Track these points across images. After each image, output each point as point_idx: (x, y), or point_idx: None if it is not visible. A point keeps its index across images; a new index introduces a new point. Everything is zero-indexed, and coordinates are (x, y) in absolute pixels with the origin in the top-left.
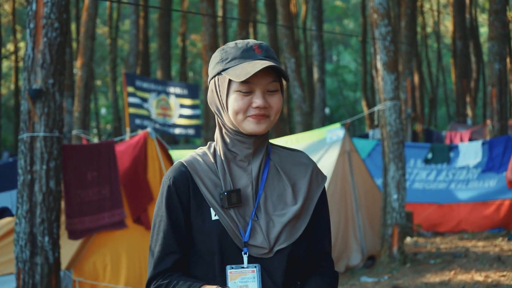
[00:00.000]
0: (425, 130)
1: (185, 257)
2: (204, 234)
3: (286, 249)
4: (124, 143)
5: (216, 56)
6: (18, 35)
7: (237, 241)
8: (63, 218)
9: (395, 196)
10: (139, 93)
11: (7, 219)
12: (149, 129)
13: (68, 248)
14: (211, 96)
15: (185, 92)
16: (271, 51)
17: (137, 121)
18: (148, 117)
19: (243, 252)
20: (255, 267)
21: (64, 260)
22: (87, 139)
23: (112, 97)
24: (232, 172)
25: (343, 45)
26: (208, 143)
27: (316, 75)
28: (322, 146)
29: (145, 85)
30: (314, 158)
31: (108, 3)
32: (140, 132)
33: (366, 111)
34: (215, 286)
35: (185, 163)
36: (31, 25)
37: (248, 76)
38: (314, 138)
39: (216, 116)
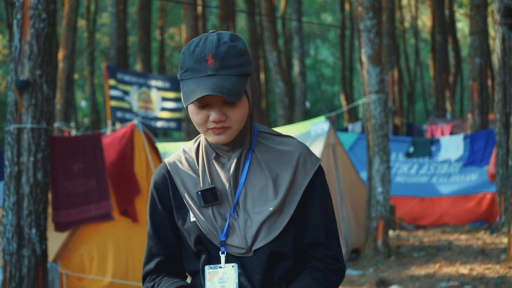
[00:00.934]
0: (406, 124)
1: (174, 256)
2: (185, 236)
3: (265, 247)
4: (110, 135)
5: (180, 56)
6: None
7: (215, 241)
8: (49, 210)
9: (379, 189)
10: (121, 86)
11: None
12: (135, 122)
13: (55, 240)
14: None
15: (167, 85)
16: (230, 57)
17: (119, 114)
18: (129, 110)
19: (220, 252)
20: (233, 266)
21: (51, 253)
22: (69, 132)
23: (90, 91)
24: (211, 169)
25: (321, 39)
26: (197, 136)
27: (297, 68)
28: (306, 139)
29: (127, 78)
30: None
31: None
32: (119, 126)
33: (345, 105)
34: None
35: (167, 164)
36: (18, 16)
37: (189, 102)
38: (298, 131)
39: None
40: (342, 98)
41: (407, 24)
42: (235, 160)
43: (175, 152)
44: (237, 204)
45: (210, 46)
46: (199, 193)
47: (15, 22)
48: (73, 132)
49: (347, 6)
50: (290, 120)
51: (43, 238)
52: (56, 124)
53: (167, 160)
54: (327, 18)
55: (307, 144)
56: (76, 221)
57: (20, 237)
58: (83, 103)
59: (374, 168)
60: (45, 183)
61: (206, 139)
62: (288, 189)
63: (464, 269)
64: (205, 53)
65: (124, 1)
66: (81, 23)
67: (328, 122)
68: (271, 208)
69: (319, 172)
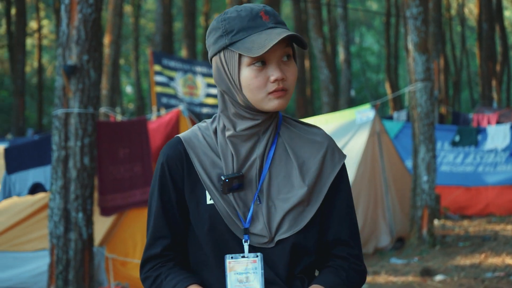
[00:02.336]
0: (452, 113)
1: (181, 241)
2: (198, 219)
3: (289, 239)
4: (156, 121)
5: (216, 27)
6: (42, 13)
7: (234, 228)
8: (95, 194)
9: (425, 178)
10: (166, 72)
11: (41, 195)
12: (181, 107)
13: (100, 224)
14: (217, 74)
15: (212, 71)
16: (278, 15)
17: (164, 100)
18: (174, 96)
19: (243, 240)
20: (257, 256)
21: (97, 237)
22: (115, 117)
23: (135, 76)
24: (237, 151)
25: (366, 27)
26: (213, 116)
27: (342, 55)
28: (351, 127)
29: (172, 63)
30: (344, 139)
31: None
32: (164, 111)
33: (390, 93)
34: None
35: (182, 139)
36: (66, 1)
37: (265, 50)
38: (343, 119)
39: (224, 95)
40: (387, 86)
41: (453, 12)
42: (264, 141)
43: None
44: (260, 189)
45: (255, 7)
46: (226, 180)
47: (62, 7)
48: (119, 118)
49: None
50: (334, 108)
51: (89, 222)
52: (102, 109)
53: (181, 135)
54: (373, 5)
55: (352, 133)
56: (121, 206)
57: (67, 220)
58: (128, 89)
59: (420, 157)
60: (91, 168)
61: (230, 122)
62: (316, 178)
63: (510, 260)
64: (256, 10)
65: None
66: (127, 8)
67: (374, 110)
68: (298, 196)
69: (344, 167)
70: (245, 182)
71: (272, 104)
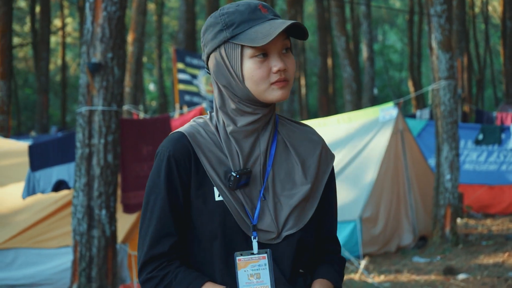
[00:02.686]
0: (476, 111)
1: (183, 240)
2: (205, 216)
3: (295, 235)
4: (179, 118)
5: (214, 23)
6: (66, 11)
7: (242, 224)
8: (119, 192)
9: (448, 177)
10: (189, 70)
11: (64, 192)
12: (204, 105)
13: (123, 222)
14: (217, 69)
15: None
16: (274, 9)
17: (187, 98)
18: (197, 94)
19: (252, 237)
20: (266, 252)
21: (120, 234)
22: (138, 114)
23: (158, 74)
24: (240, 145)
25: (389, 25)
26: (209, 112)
27: (365, 53)
28: (374, 125)
29: (195, 61)
30: (367, 137)
31: None
32: (186, 109)
33: (413, 91)
34: (221, 287)
35: (186, 135)
36: None
37: (272, 38)
38: (366, 117)
39: (222, 90)
40: (410, 84)
41: (477, 10)
42: (266, 138)
43: None
44: (265, 186)
45: (252, 1)
46: (237, 176)
47: (87, 5)
48: (142, 115)
49: None
50: (357, 106)
51: (112, 219)
52: (125, 107)
53: (184, 130)
54: (396, 3)
55: (375, 131)
56: None
57: (90, 218)
58: (151, 86)
59: (443, 155)
60: (115, 165)
61: (229, 118)
62: (316, 176)
63: None
64: (254, 4)
65: None
66: (150, 6)
67: (397, 108)
68: (302, 193)
69: (333, 168)
70: (251, 180)
71: (276, 94)
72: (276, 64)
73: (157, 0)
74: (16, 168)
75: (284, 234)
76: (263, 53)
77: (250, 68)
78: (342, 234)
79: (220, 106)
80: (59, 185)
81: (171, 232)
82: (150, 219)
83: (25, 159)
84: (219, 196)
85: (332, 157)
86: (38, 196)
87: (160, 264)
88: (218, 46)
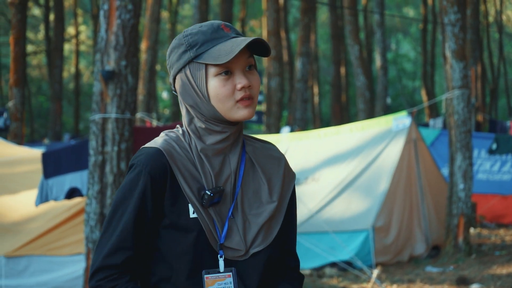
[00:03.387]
0: (489, 120)
1: (138, 257)
2: (178, 233)
3: (262, 251)
4: None
5: (178, 45)
6: (79, 19)
7: (213, 242)
8: None
9: (461, 186)
10: None
11: (77, 200)
12: None
13: None
14: (183, 89)
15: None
16: (236, 28)
17: None
18: None
19: (219, 255)
20: (231, 271)
21: None
22: (151, 122)
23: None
24: (212, 164)
25: (403, 34)
26: (177, 126)
27: (378, 62)
28: (387, 134)
29: None
30: (380, 146)
31: None
32: None
33: (425, 100)
34: None
35: (163, 151)
36: (105, 7)
37: (233, 55)
38: (379, 126)
39: (189, 110)
40: (423, 93)
41: (491, 19)
42: (236, 157)
43: None
44: (234, 204)
45: (215, 21)
46: (211, 194)
47: (101, 13)
48: (155, 123)
49: (429, 0)
50: (370, 115)
51: None
52: (138, 115)
53: (160, 146)
54: (409, 12)
55: (388, 140)
56: None
57: (103, 225)
58: (164, 94)
59: (456, 165)
60: None
61: (198, 137)
62: (280, 193)
63: None
64: (216, 24)
65: None
66: (164, 14)
67: (410, 117)
68: (269, 211)
69: (294, 184)
70: (223, 198)
71: (241, 113)
72: (240, 81)
73: (171, 8)
74: (29, 175)
75: (252, 251)
76: (227, 71)
77: (215, 86)
78: (355, 243)
79: (188, 125)
80: (72, 193)
81: (129, 247)
82: (113, 230)
83: (38, 167)
84: (193, 213)
85: (293, 175)
86: (51, 204)
87: (111, 275)
88: (183, 67)
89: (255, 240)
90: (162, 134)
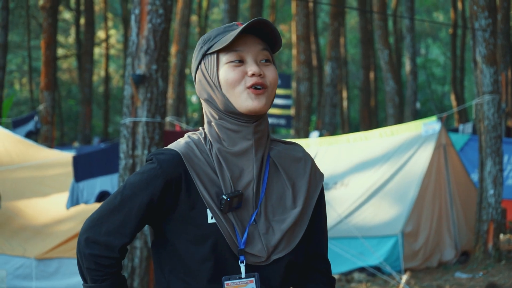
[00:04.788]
0: None
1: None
2: (198, 238)
3: (285, 258)
4: None
5: (197, 45)
6: (110, 23)
7: (233, 247)
8: None
9: (491, 192)
10: None
11: None
12: None
13: None
14: (199, 85)
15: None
16: None
17: None
18: None
19: (239, 261)
20: (253, 276)
21: None
22: (180, 126)
23: None
24: (231, 168)
25: (432, 38)
26: (199, 128)
27: (408, 67)
28: (417, 139)
29: None
30: (410, 151)
31: None
32: None
33: (455, 105)
34: None
35: (181, 155)
36: (136, 11)
37: (233, 37)
38: (409, 131)
39: (206, 106)
40: (452, 98)
41: None
42: (259, 160)
43: None
44: (258, 211)
45: (233, 22)
46: (228, 199)
47: (133, 17)
48: (184, 127)
49: (459, 5)
50: (399, 120)
51: None
52: (168, 119)
53: (178, 149)
54: (439, 16)
55: (418, 145)
56: None
57: None
58: (193, 98)
59: (486, 170)
60: None
61: (216, 137)
62: (306, 198)
63: None
64: (233, 22)
65: None
66: (193, 18)
67: (440, 122)
68: (292, 217)
69: (323, 186)
70: (244, 203)
71: (249, 102)
72: (251, 68)
73: (200, 12)
74: (60, 178)
75: (274, 257)
76: (239, 60)
77: (225, 72)
78: (384, 249)
79: (207, 127)
80: (103, 196)
81: (127, 234)
82: (117, 211)
83: (69, 170)
84: (212, 218)
85: (321, 176)
86: (82, 207)
87: (108, 257)
88: (199, 63)
89: (277, 246)
90: (185, 136)
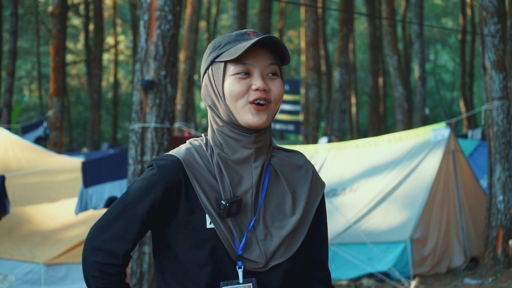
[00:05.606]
0: None
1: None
2: (196, 243)
3: (283, 264)
4: None
5: (208, 48)
6: (118, 29)
7: (232, 253)
8: None
9: (500, 198)
10: None
11: None
12: None
13: None
14: (205, 90)
15: (286, 87)
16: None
17: None
18: None
19: (237, 266)
20: (251, 281)
21: None
22: (189, 132)
23: None
24: (231, 175)
25: (441, 44)
26: (202, 135)
27: (417, 73)
28: (426, 145)
29: None
30: (419, 157)
31: None
32: None
33: (464, 111)
34: None
35: (182, 161)
36: (145, 17)
37: (242, 50)
38: (418, 136)
39: (209, 112)
40: (461, 104)
41: None
42: (259, 167)
43: None
44: (256, 217)
45: (245, 29)
46: (226, 204)
47: (141, 23)
48: (193, 132)
49: (468, 11)
50: (408, 125)
51: None
52: (177, 124)
53: (179, 155)
54: (448, 22)
55: (427, 151)
56: None
57: None
58: (202, 104)
59: (496, 176)
60: None
61: (218, 144)
62: (305, 205)
63: None
64: (245, 30)
65: (245, 3)
66: (201, 24)
67: (449, 128)
68: (291, 224)
69: (324, 194)
70: (242, 209)
71: (250, 117)
72: (256, 83)
73: (209, 18)
74: (69, 183)
75: (271, 264)
76: (246, 72)
77: (230, 83)
78: (393, 255)
79: (210, 134)
80: (111, 202)
81: (130, 241)
82: (119, 218)
83: (78, 175)
84: (210, 223)
85: (322, 185)
86: (90, 212)
87: (113, 265)
88: (207, 68)
89: (275, 252)
90: (187, 142)
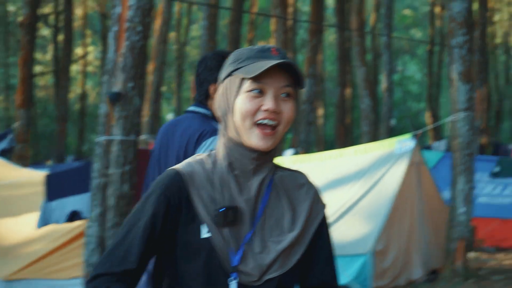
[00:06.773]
0: (493, 143)
1: (137, 277)
2: (190, 253)
3: (276, 278)
4: None
5: (229, 58)
6: (88, 39)
7: (226, 264)
8: None
9: (462, 210)
10: None
11: (77, 223)
12: None
13: None
14: (219, 99)
15: None
16: (286, 54)
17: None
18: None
19: (231, 279)
20: None
21: None
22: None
23: (176, 103)
24: (231, 186)
25: (410, 55)
26: (209, 150)
27: (384, 84)
28: (390, 158)
29: None
30: (383, 169)
31: (177, 8)
32: None
33: (430, 122)
34: None
35: (181, 174)
36: (115, 28)
37: (260, 71)
38: (382, 148)
39: (220, 122)
40: (427, 115)
41: (498, 40)
42: (258, 182)
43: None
44: (254, 230)
45: (269, 45)
46: (223, 212)
47: (111, 34)
48: None
49: (437, 22)
50: (374, 137)
51: None
52: (143, 137)
53: (180, 168)
54: (417, 33)
55: (391, 163)
56: None
57: (103, 248)
58: (169, 116)
59: (458, 188)
60: (130, 196)
61: (225, 155)
62: (305, 222)
63: None
64: (268, 46)
65: (215, 14)
66: (171, 35)
67: (414, 140)
68: (289, 239)
69: (325, 215)
70: (239, 219)
71: (255, 140)
72: (267, 103)
73: (180, 29)
74: (31, 197)
75: (266, 277)
76: (260, 90)
77: (242, 100)
78: (353, 267)
79: (218, 143)
80: (73, 216)
81: (132, 261)
82: (121, 243)
83: (40, 189)
84: (207, 232)
85: (323, 206)
86: (51, 226)
87: (108, 280)
88: (224, 79)
89: (271, 266)
90: (190, 158)
